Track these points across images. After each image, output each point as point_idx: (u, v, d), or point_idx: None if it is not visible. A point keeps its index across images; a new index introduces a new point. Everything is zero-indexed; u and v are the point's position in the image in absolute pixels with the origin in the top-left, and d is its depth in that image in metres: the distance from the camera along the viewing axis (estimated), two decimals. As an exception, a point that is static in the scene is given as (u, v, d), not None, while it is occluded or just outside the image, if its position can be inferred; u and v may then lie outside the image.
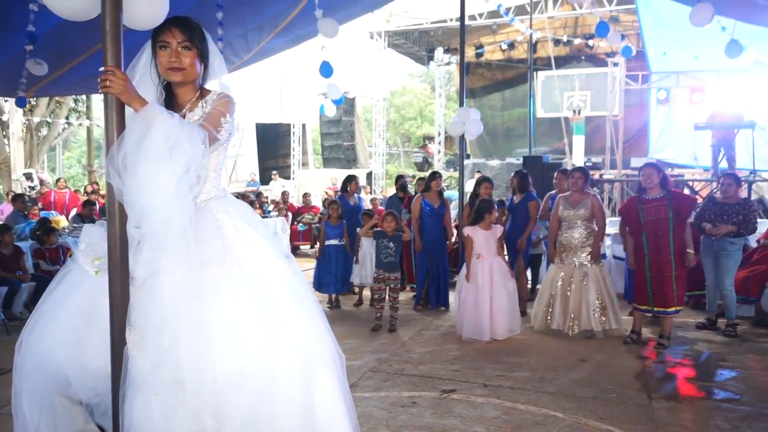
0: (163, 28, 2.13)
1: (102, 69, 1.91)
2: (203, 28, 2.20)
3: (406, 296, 7.24)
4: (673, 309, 5.08)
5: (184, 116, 2.17)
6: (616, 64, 14.07)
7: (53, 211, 10.98)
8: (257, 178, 18.62)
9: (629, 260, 5.34)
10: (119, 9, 1.95)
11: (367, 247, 6.78)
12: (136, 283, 2.01)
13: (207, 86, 2.27)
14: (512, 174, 6.76)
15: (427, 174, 14.16)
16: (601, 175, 13.38)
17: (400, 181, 8.01)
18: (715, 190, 8.33)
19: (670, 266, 5.03)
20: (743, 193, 9.56)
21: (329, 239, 6.81)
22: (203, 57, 2.20)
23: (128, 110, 1.99)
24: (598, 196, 5.92)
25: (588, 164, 14.28)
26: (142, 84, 2.12)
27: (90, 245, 2.12)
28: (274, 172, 19.03)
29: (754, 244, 6.55)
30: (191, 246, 1.97)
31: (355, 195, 7.67)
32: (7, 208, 11.26)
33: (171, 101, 2.21)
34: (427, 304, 6.72)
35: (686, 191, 10.78)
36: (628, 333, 5.33)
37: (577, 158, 14.43)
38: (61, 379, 2.05)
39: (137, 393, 1.90)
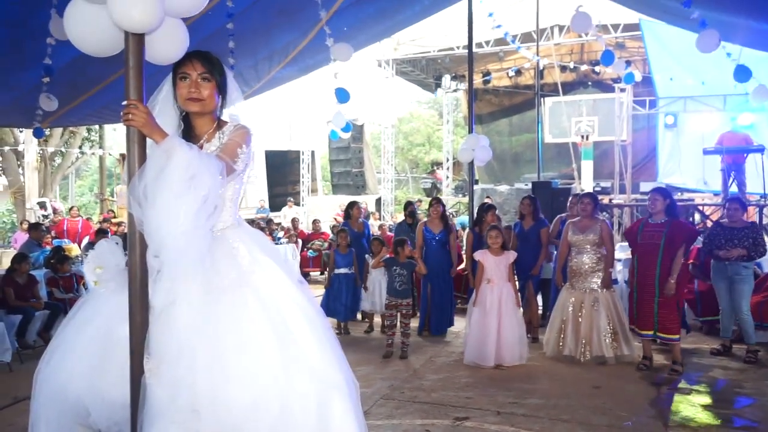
0: (184, 60, 2.21)
1: (125, 103, 1.98)
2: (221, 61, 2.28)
3: (417, 323, 7.22)
4: (649, 333, 5.14)
5: (201, 147, 2.23)
6: (623, 90, 14.15)
7: (66, 240, 11.11)
8: (267, 205, 18.77)
9: (629, 280, 5.40)
10: (142, 45, 2.03)
11: (376, 273, 6.80)
12: (154, 311, 2.05)
13: (224, 117, 2.34)
14: (523, 199, 6.79)
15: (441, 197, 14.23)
16: (610, 200, 13.37)
17: (410, 208, 8.04)
18: (723, 216, 8.34)
19: (653, 291, 5.08)
20: (753, 217, 9.54)
21: (338, 268, 6.83)
22: (221, 89, 2.27)
23: (149, 141, 2.05)
24: (608, 222, 5.93)
25: (597, 189, 14.29)
26: (161, 115, 2.19)
27: (96, 255, 2.17)
28: (289, 198, 19.18)
29: (766, 269, 6.52)
30: (208, 275, 2.02)
31: (360, 221, 7.67)
32: (21, 237, 11.40)
33: (189, 132, 2.28)
34: (428, 330, 6.69)
35: (697, 216, 10.75)
36: (640, 360, 5.29)
37: (586, 183, 14.44)
38: (80, 408, 2.06)
39: (154, 422, 1.91)
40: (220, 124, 2.31)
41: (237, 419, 1.94)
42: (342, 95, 6.96)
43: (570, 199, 6.70)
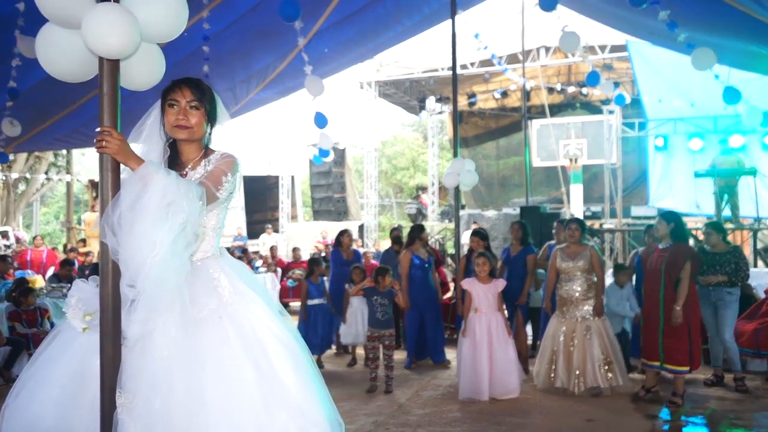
0: (174, 87, 2.27)
1: (98, 130, 2.01)
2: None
3: (401, 355, 7.22)
4: (655, 364, 5.17)
5: (185, 175, 2.28)
6: (611, 112, 14.45)
7: (29, 270, 10.95)
8: (244, 233, 18.68)
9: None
10: (117, 70, 2.07)
11: (357, 304, 6.79)
12: (128, 343, 2.05)
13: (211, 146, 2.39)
14: (512, 224, 6.87)
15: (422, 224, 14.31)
16: (601, 225, 13.54)
17: (395, 233, 8.11)
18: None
19: (658, 320, 5.14)
20: (746, 241, 9.72)
21: (312, 298, 6.84)
22: (210, 118, 2.33)
23: (123, 167, 2.08)
24: (596, 248, 6.01)
25: (587, 213, 14.47)
26: (149, 141, 2.25)
27: (81, 300, 2.17)
28: (268, 225, 19.11)
29: (762, 295, 6.63)
30: (186, 305, 2.04)
31: (350, 248, 7.78)
32: (-19, 268, 11.21)
33: (175, 159, 2.33)
34: (421, 359, 6.70)
35: (690, 241, 10.92)
36: (639, 388, 5.34)
37: (576, 207, 14.62)
38: None
39: None
40: (207, 152, 2.36)
41: None
42: (320, 120, 7.07)
43: (555, 224, 6.79)
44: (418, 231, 7.02)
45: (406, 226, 12.57)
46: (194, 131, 2.28)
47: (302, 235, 18.81)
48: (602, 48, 16.08)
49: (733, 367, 5.57)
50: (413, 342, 6.76)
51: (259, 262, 12.62)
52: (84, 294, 2.19)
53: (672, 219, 5.32)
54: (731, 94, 6.74)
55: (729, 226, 9.55)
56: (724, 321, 5.57)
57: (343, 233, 7.83)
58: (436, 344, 6.73)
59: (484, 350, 5.33)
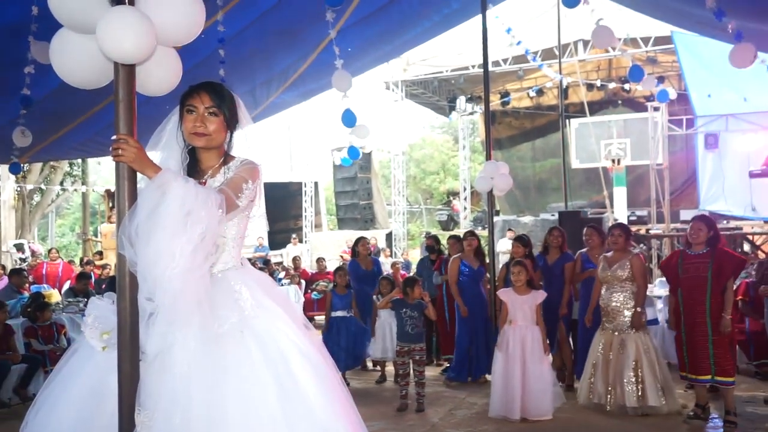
0: (191, 92, 2.30)
1: (114, 137, 2.05)
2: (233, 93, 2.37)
3: (434, 371, 7.19)
4: (706, 378, 5.03)
5: (205, 182, 2.31)
6: (656, 109, 14.24)
7: (45, 285, 11.18)
8: (266, 242, 18.82)
9: (670, 321, 5.32)
10: (132, 76, 2.11)
11: (385, 317, 6.79)
12: (146, 358, 2.09)
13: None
14: (552, 230, 6.81)
15: (453, 232, 14.25)
16: (647, 230, 13.34)
17: (429, 241, 8.11)
18: (761, 245, 8.32)
19: (706, 330, 5.00)
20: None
21: (335, 310, 6.82)
22: (230, 124, 2.35)
23: (140, 176, 2.13)
24: (641, 254, 5.90)
25: (632, 218, 14.27)
26: (168, 148, 2.29)
27: (98, 318, 2.21)
28: (293, 235, 19.24)
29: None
30: (206, 319, 2.06)
31: (369, 258, 7.72)
32: (-5, 283, 11.50)
33: (194, 166, 2.37)
34: (458, 378, 6.67)
35: (746, 246, 10.69)
36: (689, 408, 5.23)
37: (620, 212, 14.43)
38: None
39: None
40: (226, 159, 2.39)
41: None
42: (348, 118, 7.07)
43: (585, 230, 6.66)
44: (464, 237, 7.05)
45: (437, 234, 12.52)
46: (212, 138, 2.30)
47: (326, 244, 18.90)
48: (645, 40, 15.87)
49: None
50: (464, 354, 6.72)
51: (281, 274, 12.71)
52: (101, 312, 2.23)
53: (712, 225, 5.24)
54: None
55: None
56: None
57: (359, 241, 7.79)
58: (479, 359, 6.65)
59: (517, 365, 5.28)
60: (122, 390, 2.06)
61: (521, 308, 5.45)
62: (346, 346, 6.72)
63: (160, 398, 2.02)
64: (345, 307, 6.83)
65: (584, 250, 6.53)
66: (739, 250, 10.42)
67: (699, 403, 5.21)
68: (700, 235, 5.12)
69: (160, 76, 2.27)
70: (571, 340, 6.88)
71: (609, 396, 5.35)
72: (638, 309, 5.46)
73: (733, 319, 5.19)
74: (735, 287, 6.70)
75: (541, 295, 5.58)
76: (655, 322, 6.84)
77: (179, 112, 2.32)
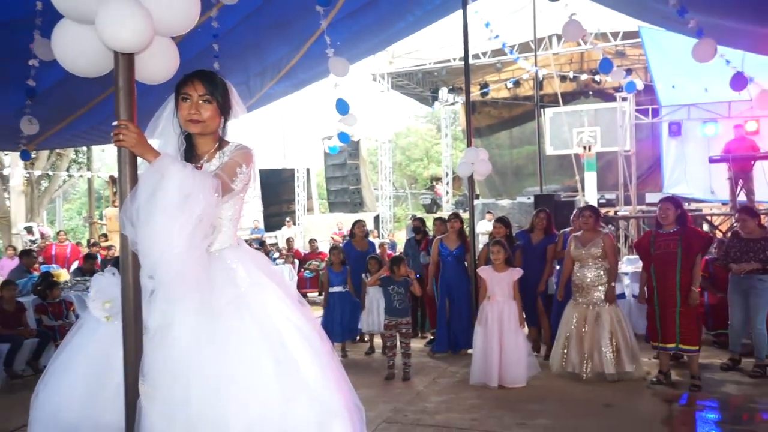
0: (185, 81, 2.25)
1: (115, 123, 2.01)
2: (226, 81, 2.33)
3: (419, 343, 7.22)
4: (671, 346, 5.12)
5: (201, 167, 2.27)
6: (624, 99, 14.25)
7: (54, 265, 11.09)
8: (261, 225, 18.76)
9: (640, 295, 5.36)
10: (132, 65, 2.06)
11: (374, 293, 6.79)
12: (148, 332, 2.07)
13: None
14: (539, 212, 6.78)
15: (437, 215, 14.26)
16: (615, 212, 13.40)
17: (416, 223, 8.12)
18: (735, 225, 8.36)
19: (675, 302, 5.08)
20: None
21: (333, 286, 6.85)
22: (224, 110, 2.31)
23: (141, 161, 2.09)
24: (611, 234, 5.94)
25: (602, 201, 14.32)
26: (165, 134, 2.25)
27: (99, 291, 2.19)
28: (287, 218, 19.27)
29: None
30: (205, 295, 2.04)
31: (365, 240, 7.74)
32: (7, 264, 11.38)
33: (190, 151, 2.33)
34: (449, 349, 6.68)
35: (705, 226, 10.78)
36: (656, 374, 5.29)
37: (590, 195, 14.48)
38: None
39: None
40: (221, 144, 2.35)
41: None
42: (342, 107, 7.01)
43: (574, 212, 6.72)
44: (447, 219, 7.05)
45: (421, 216, 12.53)
46: (207, 125, 2.27)
47: (318, 226, 18.85)
48: (614, 35, 15.87)
49: (758, 353, 5.49)
50: (442, 328, 6.73)
51: (276, 254, 12.67)
52: (101, 285, 2.21)
53: (678, 204, 5.29)
54: (738, 80, 6.61)
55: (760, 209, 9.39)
56: (756, 308, 5.48)
57: (355, 224, 7.80)
58: (463, 332, 6.65)
59: (495, 338, 5.32)
60: (127, 362, 2.05)
61: (499, 284, 5.47)
62: (341, 320, 6.74)
63: (162, 371, 2.00)
64: (341, 283, 6.85)
65: (567, 229, 6.56)
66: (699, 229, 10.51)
67: (662, 370, 5.27)
68: (669, 215, 5.16)
69: (158, 64, 2.23)
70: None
71: (585, 365, 5.40)
72: (612, 284, 5.51)
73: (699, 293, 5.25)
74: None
75: (517, 272, 5.59)
76: (622, 296, 6.91)
77: (174, 100, 2.27)
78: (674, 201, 5.36)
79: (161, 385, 1.99)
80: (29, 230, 15.25)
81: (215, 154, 2.33)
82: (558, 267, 6.49)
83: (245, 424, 1.96)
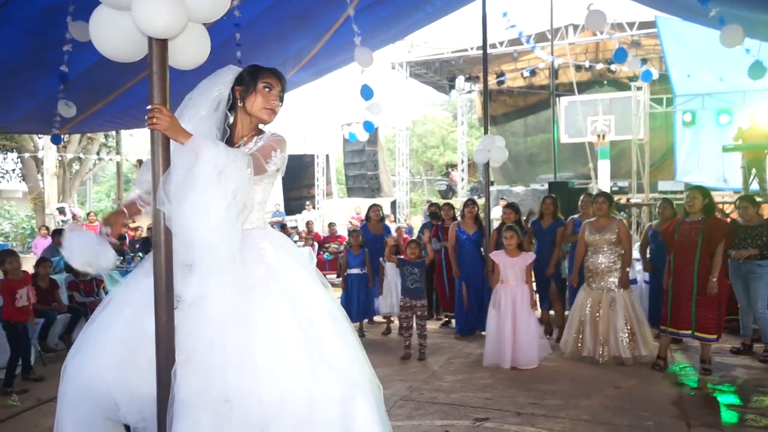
0: (269, 73, 2.36)
1: (149, 107, 2.03)
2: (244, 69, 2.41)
3: (435, 325, 7.24)
4: (687, 332, 5.05)
5: (239, 148, 2.31)
6: (639, 88, 14.05)
7: (85, 245, 11.22)
8: (282, 209, 18.88)
9: (664, 279, 5.30)
10: (165, 50, 2.07)
11: (392, 276, 6.82)
12: (183, 305, 2.09)
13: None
14: (544, 198, 6.78)
15: (450, 201, 14.23)
16: (628, 200, 13.26)
17: (432, 208, 8.15)
18: (731, 213, 8.27)
19: (692, 289, 5.00)
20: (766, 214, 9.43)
21: (350, 268, 6.87)
22: None
23: (172, 143, 2.10)
24: (624, 221, 5.89)
25: (614, 188, 14.18)
26: (196, 114, 2.27)
27: (72, 258, 2.25)
28: (307, 202, 19.40)
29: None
30: (238, 271, 2.06)
31: (380, 223, 7.71)
32: (41, 242, 11.59)
33: (227, 137, 2.36)
34: (464, 332, 6.68)
35: (717, 214, 10.64)
36: (655, 360, 5.26)
37: (603, 183, 14.33)
38: (109, 402, 2.09)
39: (187, 412, 1.95)
40: (259, 131, 2.42)
41: (265, 414, 1.97)
42: (366, 92, 6.99)
43: (582, 198, 6.67)
44: (464, 205, 7.02)
45: (437, 201, 12.51)
46: (275, 117, 2.39)
47: (337, 211, 18.91)
48: (630, 25, 15.60)
49: (764, 338, 5.45)
50: (460, 312, 6.74)
51: (296, 237, 12.74)
52: (68, 251, 2.25)
53: (707, 194, 5.18)
54: (757, 69, 6.49)
55: (757, 199, 9.28)
56: (756, 293, 5.45)
57: (371, 208, 7.77)
58: (478, 315, 6.64)
59: (508, 321, 5.32)
60: (159, 338, 2.05)
61: (512, 269, 5.45)
62: (358, 301, 6.77)
63: (198, 341, 2.03)
64: (359, 265, 6.85)
65: (576, 215, 6.52)
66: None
67: (661, 356, 5.24)
68: (696, 204, 5.07)
69: (191, 50, 2.23)
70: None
71: (602, 349, 5.37)
72: (627, 269, 5.47)
73: (724, 280, 5.14)
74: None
75: (530, 257, 5.57)
76: (634, 281, 6.86)
77: (248, 86, 2.32)
78: (702, 190, 5.25)
79: (197, 353, 2.01)
80: (61, 211, 15.48)
81: (252, 138, 2.38)
82: (569, 251, 6.46)
83: (276, 395, 1.98)
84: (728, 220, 9.74)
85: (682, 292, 5.06)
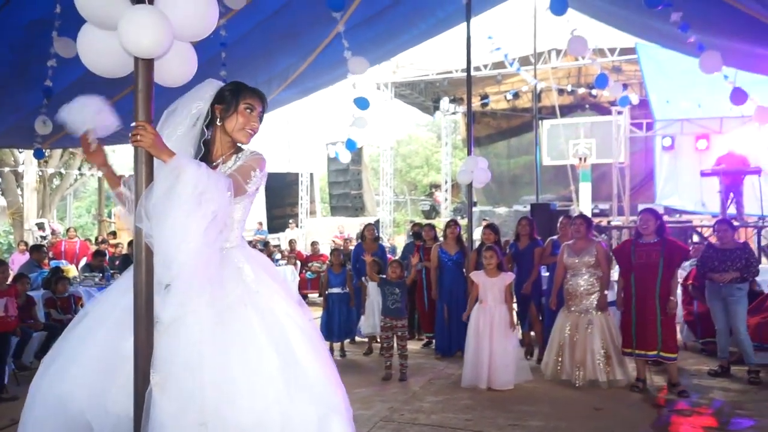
0: (252, 94, 2.36)
1: (134, 124, 2.04)
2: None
3: (416, 345, 7.23)
4: (652, 353, 5.11)
5: (216, 167, 2.30)
6: (620, 113, 14.31)
7: (64, 261, 11.09)
8: (265, 227, 18.78)
9: (617, 301, 5.37)
10: (151, 69, 2.09)
11: (374, 295, 6.80)
12: (160, 327, 2.07)
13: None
14: (520, 219, 6.86)
15: (433, 221, 14.30)
16: (608, 222, 13.42)
17: (415, 228, 8.17)
18: (709, 236, 8.43)
19: (655, 310, 5.09)
20: (750, 239, 9.62)
21: (332, 287, 6.84)
22: None
23: (155, 161, 2.10)
24: (603, 243, 5.96)
25: (595, 211, 14.34)
26: (174, 131, 2.26)
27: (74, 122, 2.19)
28: (290, 221, 19.30)
29: (766, 290, 6.55)
30: (216, 292, 2.06)
31: (375, 243, 7.66)
32: (18, 258, 11.39)
33: (205, 154, 2.34)
34: (444, 353, 6.67)
35: (695, 237, 10.79)
36: (633, 381, 5.30)
37: (584, 205, 14.50)
38: (81, 421, 2.04)
39: None
40: (237, 149, 2.41)
41: None
42: (361, 103, 7.02)
43: (560, 220, 6.71)
44: (446, 226, 7.06)
45: (420, 222, 12.55)
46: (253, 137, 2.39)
47: (320, 229, 18.86)
48: (612, 51, 15.92)
49: (747, 359, 5.53)
50: (440, 332, 6.73)
51: (279, 255, 12.68)
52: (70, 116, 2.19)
53: (658, 216, 5.37)
54: (738, 95, 6.66)
55: (735, 223, 9.47)
56: (736, 316, 5.55)
57: (366, 227, 7.74)
58: (458, 336, 6.63)
59: (486, 341, 5.32)
60: (138, 356, 2.03)
61: (491, 290, 5.47)
62: (339, 320, 6.74)
63: (174, 364, 2.00)
64: (340, 284, 6.83)
65: (555, 237, 6.58)
66: (689, 240, 10.51)
67: (639, 378, 5.28)
68: (650, 225, 5.22)
69: (177, 68, 2.25)
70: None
71: (578, 372, 5.38)
72: (605, 292, 5.52)
73: (684, 302, 5.28)
74: (686, 273, 6.82)
75: (509, 277, 5.59)
76: (613, 304, 6.91)
77: (229, 105, 2.31)
78: (654, 212, 5.42)
79: (173, 376, 1.99)
80: (41, 226, 15.26)
81: (231, 157, 2.37)
82: (548, 274, 6.51)
83: (253, 418, 1.97)
84: (695, 247, 9.95)
85: (647, 313, 5.13)
